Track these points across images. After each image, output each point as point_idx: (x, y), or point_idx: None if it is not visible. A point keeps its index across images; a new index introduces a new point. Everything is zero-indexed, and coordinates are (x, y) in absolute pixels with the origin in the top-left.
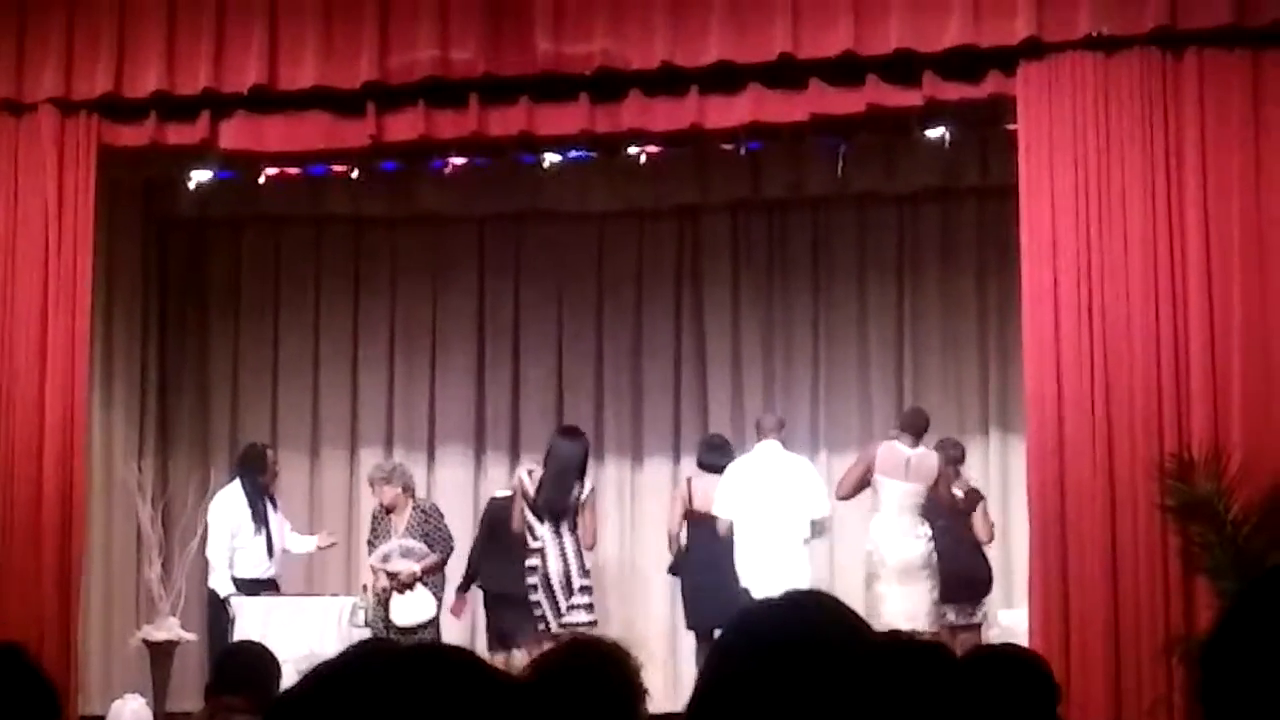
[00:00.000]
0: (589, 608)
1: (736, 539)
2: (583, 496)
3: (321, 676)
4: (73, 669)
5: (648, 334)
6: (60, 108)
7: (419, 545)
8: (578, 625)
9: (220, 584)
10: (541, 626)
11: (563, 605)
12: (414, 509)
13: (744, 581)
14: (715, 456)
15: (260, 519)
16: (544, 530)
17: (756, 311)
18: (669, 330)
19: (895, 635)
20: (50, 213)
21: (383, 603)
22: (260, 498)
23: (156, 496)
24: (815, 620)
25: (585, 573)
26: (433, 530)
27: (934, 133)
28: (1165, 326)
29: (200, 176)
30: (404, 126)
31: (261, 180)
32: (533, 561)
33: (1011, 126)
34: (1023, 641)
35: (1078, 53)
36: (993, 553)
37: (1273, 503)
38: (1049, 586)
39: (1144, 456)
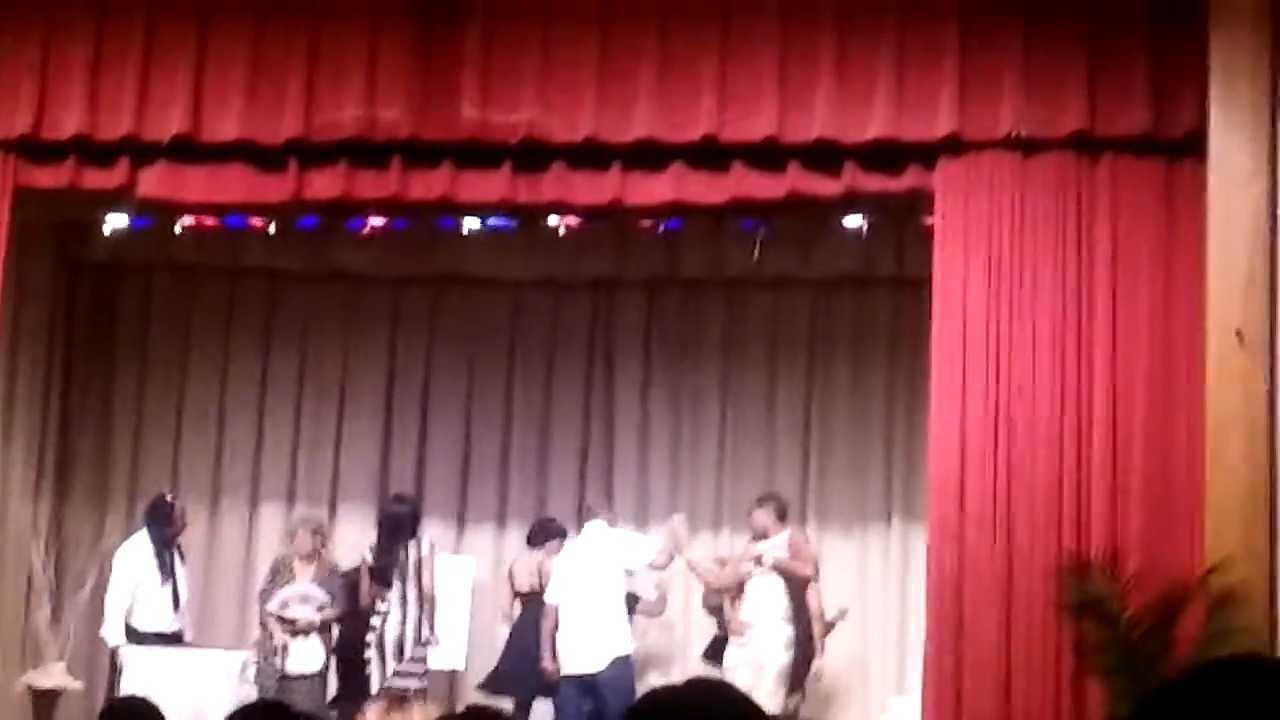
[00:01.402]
0: (422, 675)
1: (560, 621)
2: (421, 557)
3: None
4: None
5: (557, 405)
6: None
7: (319, 593)
8: (405, 690)
9: (111, 633)
10: (372, 688)
11: (389, 669)
12: (321, 563)
13: (562, 663)
14: (538, 535)
15: (167, 570)
16: (391, 596)
17: (666, 388)
18: (578, 402)
19: None
20: None
21: (274, 655)
22: (167, 549)
23: (50, 540)
24: (717, 709)
25: (421, 642)
26: (334, 587)
27: (852, 222)
28: (1069, 426)
29: (116, 222)
30: (325, 184)
31: (178, 230)
32: (374, 621)
33: (929, 219)
34: None
35: (997, 151)
36: (888, 634)
37: (1167, 605)
38: (942, 676)
39: (1043, 554)
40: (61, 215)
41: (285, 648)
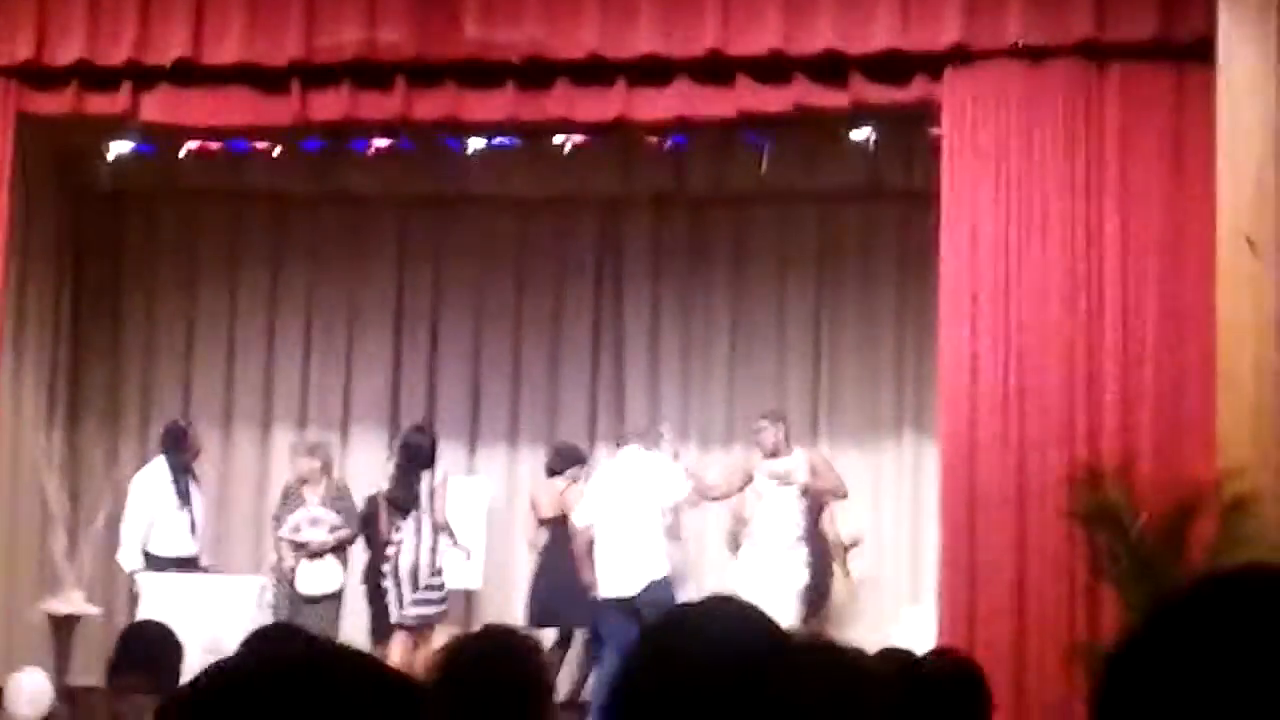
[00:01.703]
0: (438, 601)
1: (595, 544)
2: (434, 485)
3: (218, 679)
4: None
5: (566, 323)
6: None
7: (329, 515)
8: (423, 617)
9: (128, 559)
10: (389, 617)
11: (407, 598)
12: (328, 485)
13: (601, 588)
14: (558, 462)
15: (183, 496)
16: (406, 525)
17: (675, 305)
18: (588, 320)
19: (819, 640)
20: None
21: (288, 579)
22: (183, 475)
23: (64, 468)
24: (735, 625)
25: (435, 570)
26: (345, 508)
27: (859, 134)
28: (1080, 335)
29: (119, 148)
30: (329, 106)
31: (181, 154)
32: (389, 552)
33: (936, 131)
34: (928, 639)
35: (1004, 60)
36: (901, 548)
37: (1180, 513)
38: (956, 586)
39: (1055, 464)
40: (65, 143)
41: (294, 570)
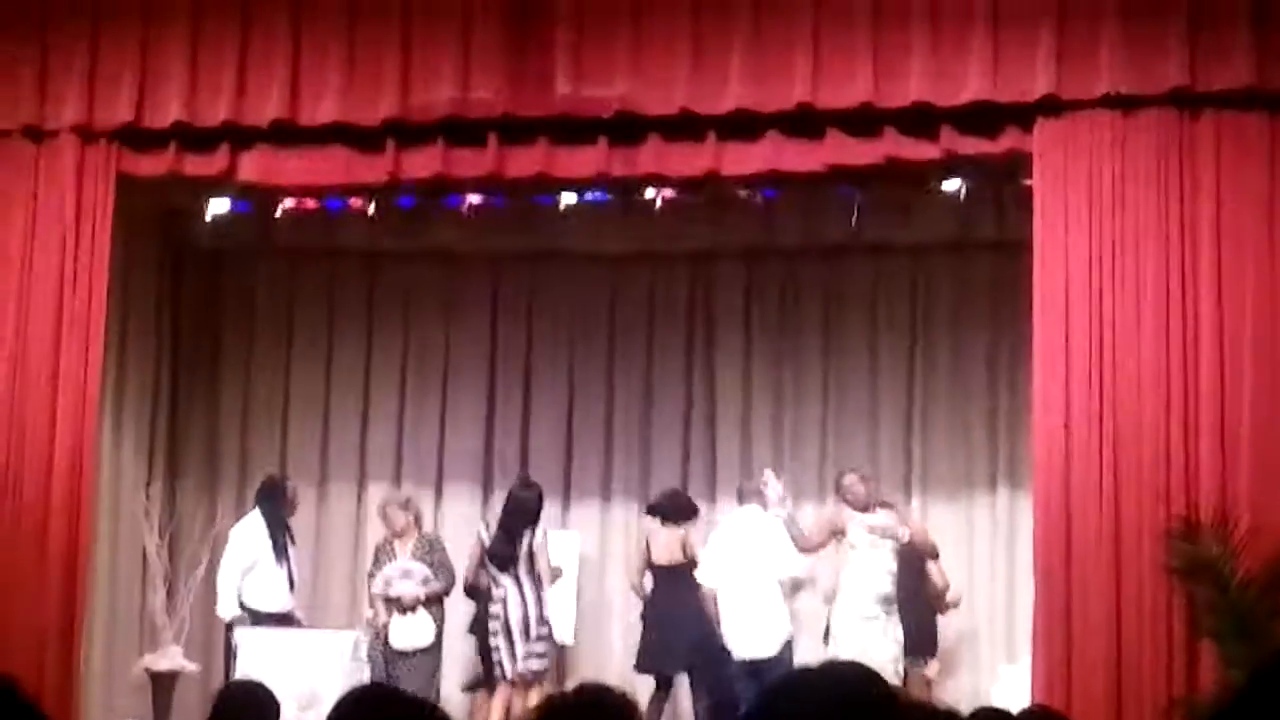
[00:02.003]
0: (542, 656)
1: (720, 604)
2: (535, 543)
3: None
4: (74, 697)
5: (658, 377)
6: (81, 135)
7: (420, 568)
8: (535, 672)
9: (226, 609)
10: (498, 672)
11: (519, 651)
12: (419, 539)
13: (729, 645)
14: (674, 511)
15: (281, 551)
16: (506, 579)
17: (767, 358)
18: (679, 374)
19: (929, 706)
20: (68, 239)
21: (382, 634)
22: (280, 530)
23: (163, 525)
24: (852, 690)
25: (543, 621)
26: (436, 560)
27: (950, 185)
28: (1176, 388)
29: (218, 207)
30: (422, 164)
31: (278, 213)
32: (494, 609)
33: (1028, 182)
34: (1024, 697)
35: (1095, 111)
36: (997, 605)
37: (1278, 567)
38: (1052, 643)
39: (1151, 517)
40: (165, 203)
41: (387, 625)
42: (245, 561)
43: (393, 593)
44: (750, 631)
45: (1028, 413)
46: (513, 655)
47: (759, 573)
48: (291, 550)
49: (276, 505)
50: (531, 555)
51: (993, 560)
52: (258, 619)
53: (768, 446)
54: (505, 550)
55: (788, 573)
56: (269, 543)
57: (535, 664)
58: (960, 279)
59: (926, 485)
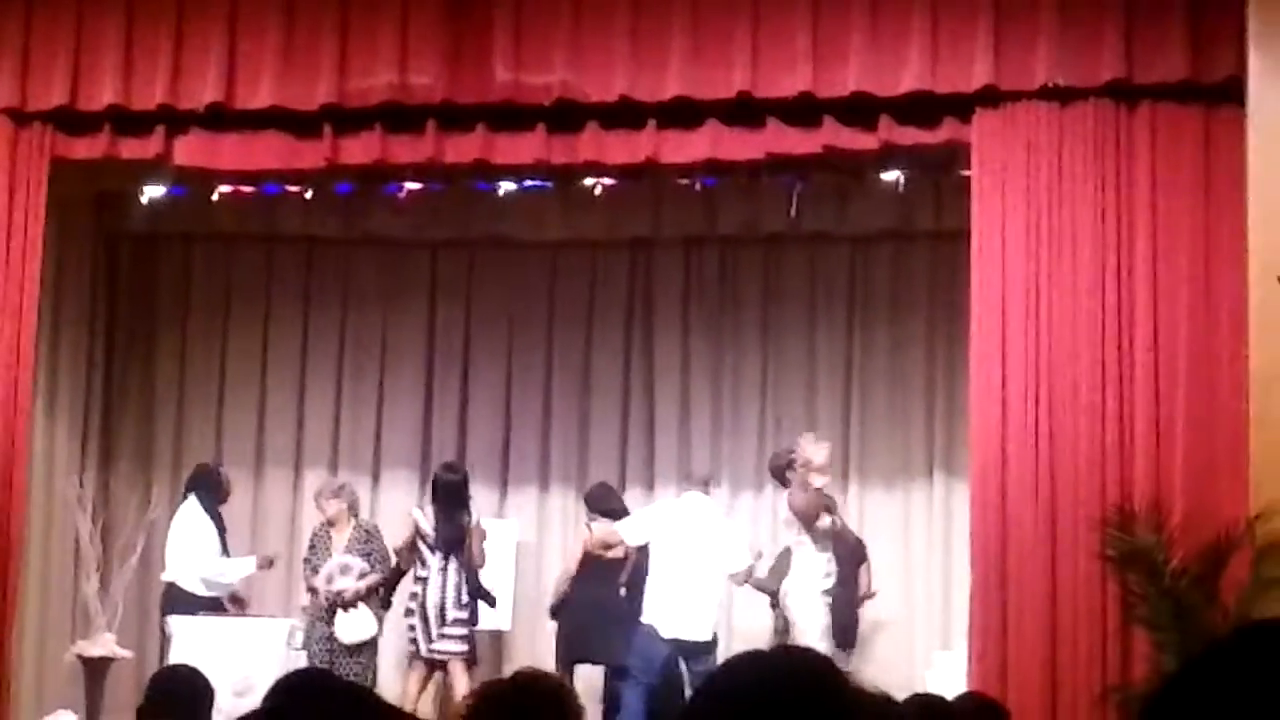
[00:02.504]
0: (463, 638)
1: (650, 577)
2: (470, 524)
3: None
4: (5, 683)
5: (597, 365)
6: (14, 118)
7: (358, 561)
8: (448, 653)
9: (182, 579)
10: (411, 650)
11: (434, 632)
12: (355, 527)
13: (649, 618)
14: (606, 503)
15: (222, 538)
16: (434, 561)
17: (706, 346)
18: (618, 362)
19: (879, 693)
20: (0, 222)
21: (326, 622)
22: (218, 517)
23: (97, 511)
24: (802, 673)
25: (462, 605)
26: (374, 549)
27: (889, 176)
28: (1111, 376)
29: (153, 192)
30: (360, 150)
31: (214, 198)
32: (414, 589)
33: (966, 172)
34: (958, 683)
35: (1033, 102)
36: (933, 592)
37: (1212, 555)
38: (987, 630)
39: (1086, 506)
40: (99, 187)
41: (331, 619)
42: (196, 548)
43: (334, 588)
44: (682, 612)
45: (965, 401)
46: (427, 636)
47: (698, 558)
48: (224, 539)
49: (210, 492)
50: (462, 539)
51: (929, 548)
52: (196, 604)
53: (706, 434)
54: (450, 534)
55: (736, 566)
56: (213, 529)
57: (449, 645)
58: (898, 269)
59: (864, 473)
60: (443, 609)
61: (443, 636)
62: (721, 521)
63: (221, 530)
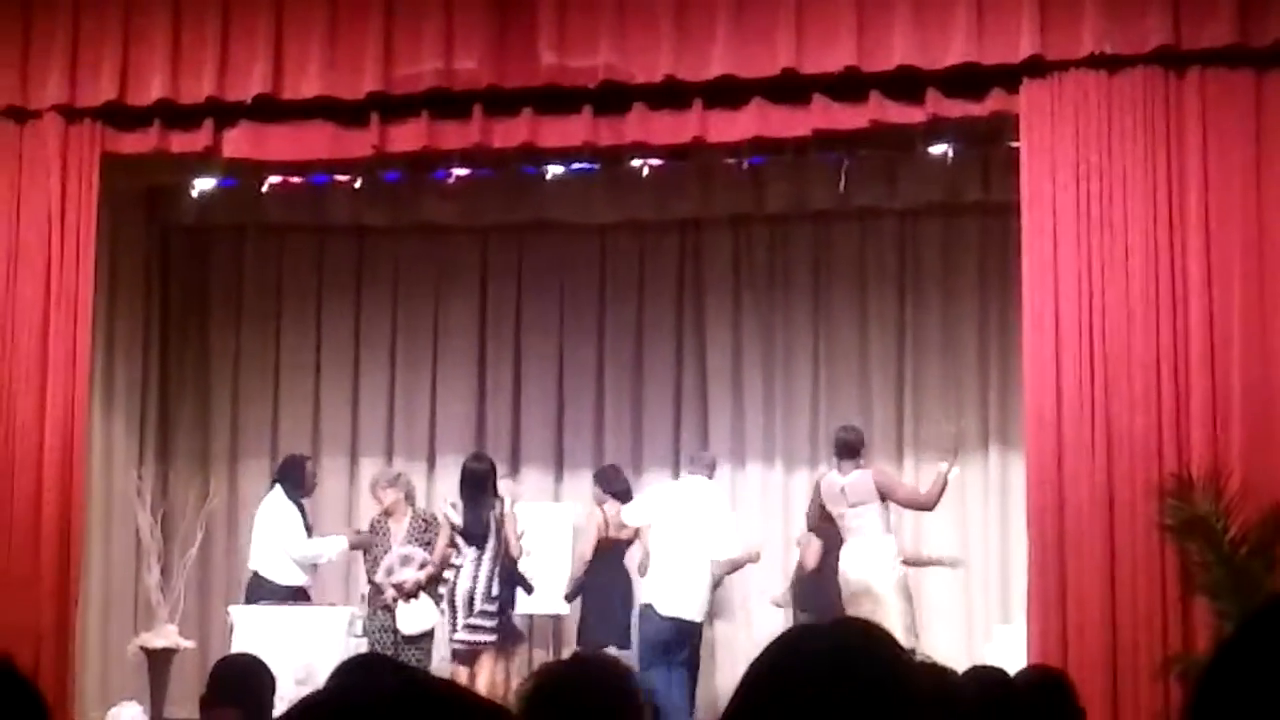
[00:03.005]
0: (491, 629)
1: (651, 553)
2: (498, 514)
3: (311, 710)
4: (70, 676)
5: (649, 345)
6: (64, 115)
7: (418, 552)
8: (476, 643)
9: (281, 570)
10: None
11: (460, 621)
12: (413, 517)
13: (648, 596)
14: (617, 484)
15: (306, 527)
16: (469, 551)
17: (757, 324)
18: (670, 342)
19: (937, 666)
20: (53, 220)
21: (389, 611)
22: (302, 508)
23: (156, 503)
24: (858, 647)
25: (491, 596)
26: (433, 538)
27: (937, 149)
28: (1165, 345)
29: (203, 184)
30: (407, 137)
31: (264, 189)
32: (447, 575)
33: (1014, 144)
34: (1019, 657)
35: (1081, 71)
36: (991, 565)
37: (1271, 522)
38: (1047, 603)
39: (1143, 475)
40: (150, 180)
41: (393, 610)
42: (282, 536)
43: (396, 580)
44: (680, 591)
45: (1019, 372)
46: (454, 623)
47: (696, 541)
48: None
49: (295, 483)
50: (499, 526)
51: (985, 521)
52: (279, 594)
53: (759, 413)
54: (478, 526)
55: (725, 554)
56: (299, 519)
57: (475, 636)
58: (948, 242)
59: (918, 448)
60: (471, 598)
61: (469, 627)
62: (721, 507)
63: (305, 520)
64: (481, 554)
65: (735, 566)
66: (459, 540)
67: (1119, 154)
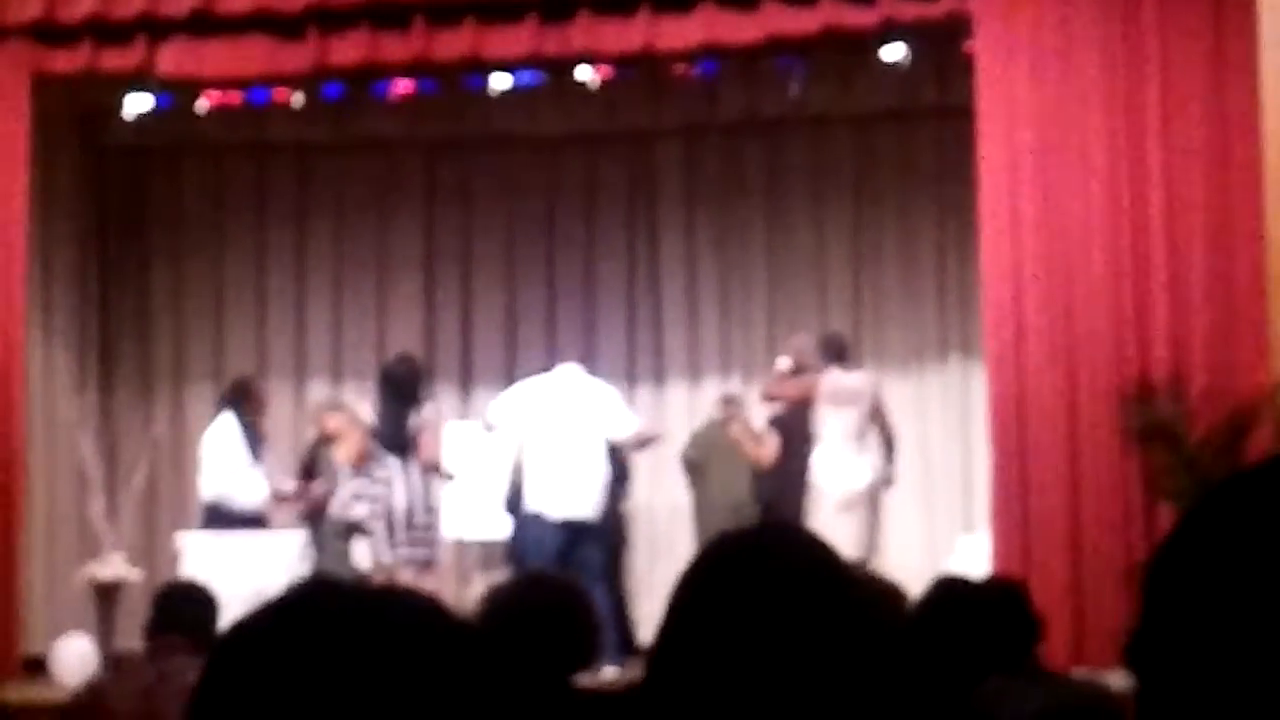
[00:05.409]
0: (427, 544)
1: (528, 460)
2: (420, 420)
3: (274, 615)
4: (16, 609)
5: (601, 259)
6: None
7: (369, 486)
8: (415, 560)
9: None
10: (373, 559)
11: (400, 538)
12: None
13: (533, 504)
14: None
15: (254, 450)
16: (392, 461)
17: (711, 236)
18: (622, 256)
19: (873, 575)
20: None
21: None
22: (251, 431)
23: (99, 431)
24: (790, 553)
25: (428, 509)
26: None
27: (891, 53)
28: (1125, 247)
29: (138, 104)
30: (347, 50)
31: (202, 108)
32: (376, 490)
33: (970, 45)
34: (982, 566)
35: None
36: (953, 475)
37: (1234, 426)
38: (1010, 512)
39: (1105, 381)
40: (83, 101)
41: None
42: (230, 462)
43: (352, 516)
44: (569, 491)
45: (978, 280)
46: (391, 542)
47: (577, 432)
48: (263, 450)
49: (241, 405)
50: (415, 438)
51: (947, 431)
52: (233, 521)
53: (714, 325)
54: (388, 432)
55: (620, 433)
56: (239, 443)
57: (416, 552)
58: (905, 148)
59: (878, 358)
60: (410, 513)
61: (411, 543)
62: (599, 390)
63: (254, 442)
64: (406, 464)
65: (642, 442)
66: (378, 449)
67: (1076, 54)
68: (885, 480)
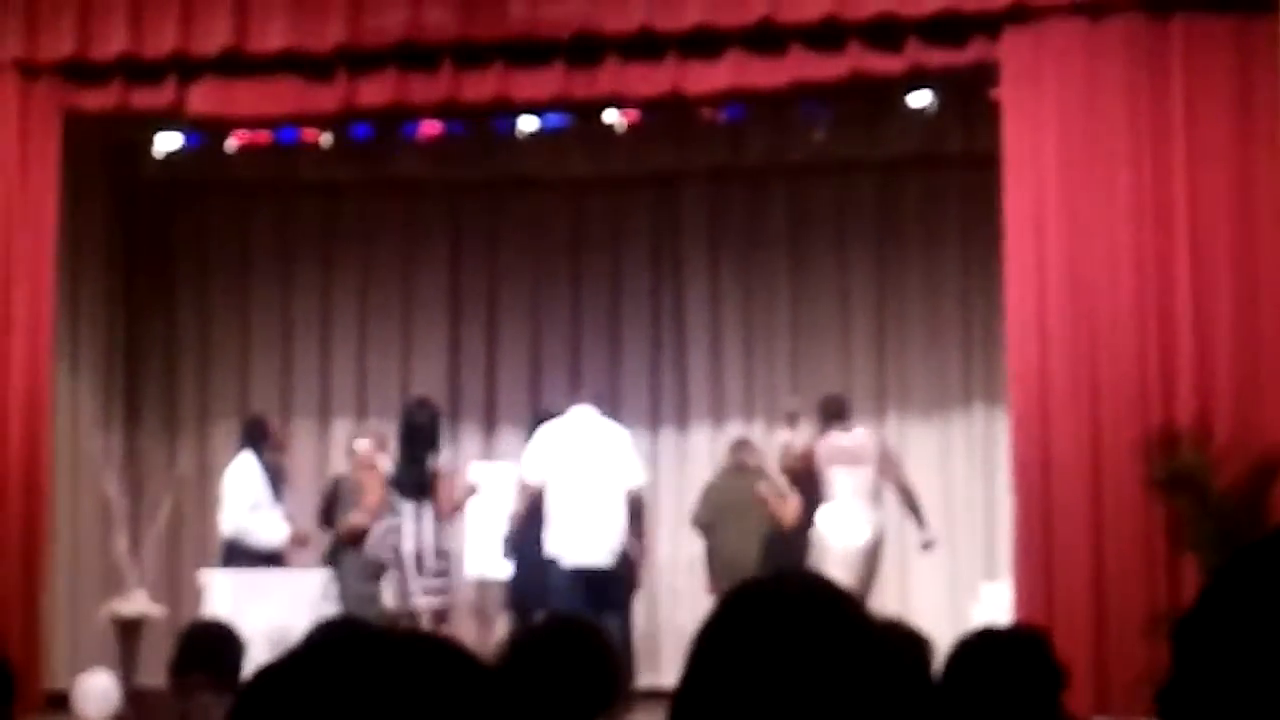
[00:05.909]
0: (441, 591)
1: (549, 505)
2: (439, 467)
3: (297, 659)
4: (39, 644)
5: (626, 302)
6: (23, 71)
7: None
8: (431, 609)
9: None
10: (387, 602)
11: (412, 585)
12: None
13: (553, 550)
14: None
15: (275, 491)
16: (405, 506)
17: (736, 281)
18: (647, 299)
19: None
20: (13, 178)
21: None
22: (271, 467)
23: (124, 468)
24: (812, 601)
25: (440, 554)
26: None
27: (917, 100)
28: (1151, 297)
29: (167, 142)
30: (376, 91)
31: (230, 147)
32: (390, 539)
33: (996, 93)
34: (1005, 615)
35: (1063, 17)
36: (976, 523)
37: (1259, 476)
38: (1033, 561)
39: (1130, 429)
40: (113, 137)
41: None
42: (248, 501)
43: (385, 555)
44: (585, 537)
45: (1002, 327)
46: (404, 586)
47: (594, 478)
48: (284, 489)
49: (258, 444)
50: (433, 483)
51: (970, 478)
52: (254, 559)
53: (738, 371)
54: (409, 477)
55: (635, 482)
56: (259, 481)
57: (431, 600)
58: (931, 194)
59: (902, 405)
60: (420, 558)
61: (426, 591)
62: (617, 436)
63: (275, 480)
64: (420, 509)
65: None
66: (394, 496)
67: (1102, 101)
68: (925, 543)
